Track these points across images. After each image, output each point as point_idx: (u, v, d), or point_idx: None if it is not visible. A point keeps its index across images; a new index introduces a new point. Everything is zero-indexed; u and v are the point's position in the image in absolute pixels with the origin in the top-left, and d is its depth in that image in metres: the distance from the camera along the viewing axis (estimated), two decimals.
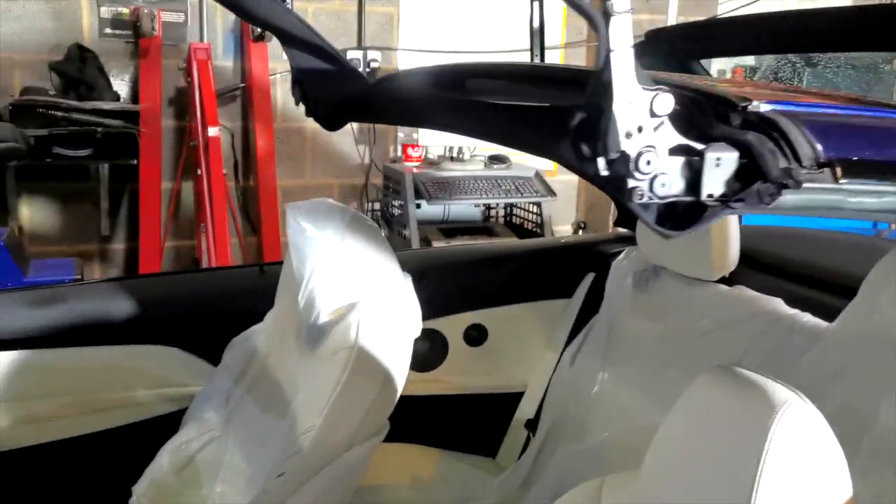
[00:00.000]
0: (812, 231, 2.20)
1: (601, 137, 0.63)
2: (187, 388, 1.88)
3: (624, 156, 0.62)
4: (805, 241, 2.06)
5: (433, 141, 4.32)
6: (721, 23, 2.08)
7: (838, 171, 0.61)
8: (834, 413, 1.36)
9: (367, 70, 4.45)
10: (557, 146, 0.69)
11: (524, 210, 4.44)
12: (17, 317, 1.78)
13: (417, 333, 1.50)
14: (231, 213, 3.96)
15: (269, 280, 1.80)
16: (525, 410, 2.15)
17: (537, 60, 1.82)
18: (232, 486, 1.66)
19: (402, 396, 2.14)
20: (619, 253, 2.05)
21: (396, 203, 4.19)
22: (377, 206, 4.52)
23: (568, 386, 2.00)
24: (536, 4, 1.77)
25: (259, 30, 4.01)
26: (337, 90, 1.59)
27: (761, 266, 1.80)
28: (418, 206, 4.03)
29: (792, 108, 0.67)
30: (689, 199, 0.63)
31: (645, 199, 0.62)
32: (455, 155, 4.37)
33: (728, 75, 5.64)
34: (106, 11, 3.91)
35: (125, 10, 3.90)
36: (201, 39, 4.05)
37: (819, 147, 0.63)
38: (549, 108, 0.77)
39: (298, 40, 1.57)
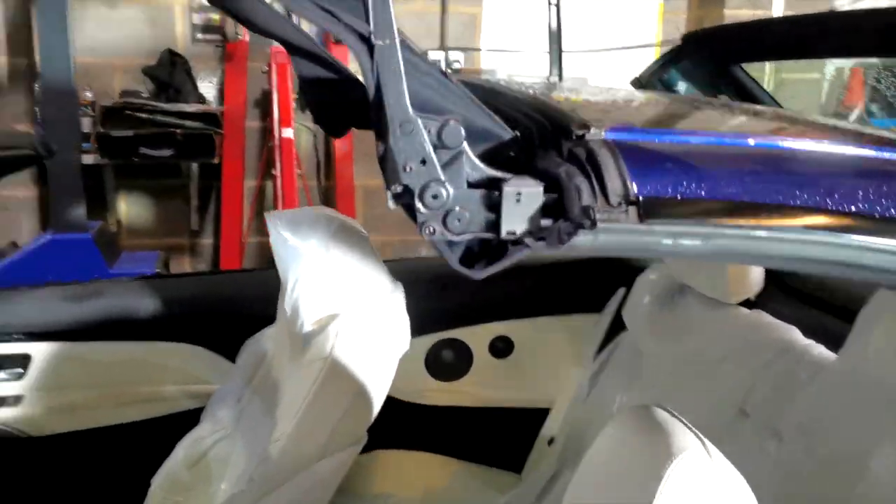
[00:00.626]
0: None
1: (384, 169, 0.61)
2: (210, 386, 1.96)
3: (408, 189, 0.61)
4: None
5: None
6: (766, 24, 1.95)
7: (642, 211, 0.57)
8: (828, 457, 1.27)
9: (449, 70, 4.47)
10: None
11: None
12: (55, 310, 1.91)
13: (404, 347, 1.50)
14: None
15: None
16: (550, 427, 2.11)
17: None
18: (235, 485, 1.72)
19: (423, 406, 2.17)
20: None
21: None
22: None
23: (588, 405, 1.95)
24: (554, 8, 1.73)
25: None
26: (338, 98, 1.62)
27: (791, 290, 1.69)
28: None
29: (637, 137, 0.63)
30: (489, 236, 0.61)
31: (438, 235, 0.60)
32: None
33: (847, 75, 5.28)
34: (198, 18, 4.13)
35: (216, 17, 4.10)
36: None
37: (633, 183, 0.58)
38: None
39: (300, 49, 1.61)
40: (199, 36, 4.15)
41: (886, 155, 0.71)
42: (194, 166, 4.16)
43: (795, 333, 1.48)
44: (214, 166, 4.04)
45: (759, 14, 4.53)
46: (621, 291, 2.05)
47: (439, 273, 1.68)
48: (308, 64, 1.66)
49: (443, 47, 4.46)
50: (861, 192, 0.63)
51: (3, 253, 3.63)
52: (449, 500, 1.98)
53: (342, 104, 1.72)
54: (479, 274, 0.63)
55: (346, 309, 1.44)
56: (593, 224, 0.56)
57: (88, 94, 3.88)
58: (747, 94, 1.93)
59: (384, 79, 0.60)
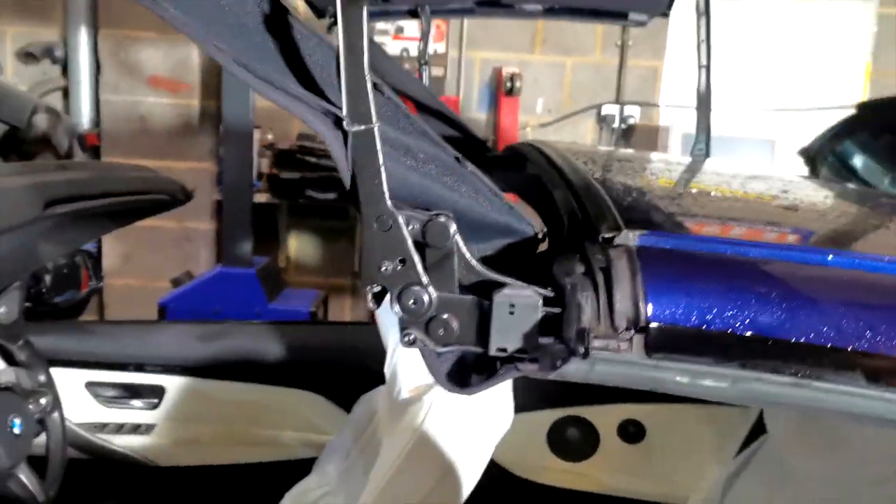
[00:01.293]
0: None
1: (360, 265, 0.57)
2: (325, 436, 1.99)
3: (384, 291, 0.55)
4: None
5: None
6: None
7: (651, 342, 0.48)
8: None
9: (623, 126, 4.37)
10: None
11: None
12: (189, 347, 2.03)
13: (505, 426, 1.44)
14: None
15: None
16: None
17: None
18: None
19: (542, 485, 2.06)
20: None
21: None
22: None
23: None
24: (703, 71, 1.62)
25: (509, 84, 4.15)
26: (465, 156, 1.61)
27: None
28: None
29: (678, 244, 0.54)
30: (477, 350, 0.54)
31: (419, 345, 0.54)
32: None
33: None
34: None
35: None
36: (457, 93, 4.29)
37: (647, 305, 0.49)
38: None
39: (428, 108, 1.62)
40: None
41: None
42: None
43: None
44: None
45: None
46: None
47: None
48: (435, 122, 1.67)
49: (618, 101, 4.37)
50: None
51: (179, 281, 3.95)
52: None
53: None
54: (470, 392, 0.56)
55: None
56: (586, 353, 0.48)
57: (269, 137, 4.16)
58: None
59: (359, 168, 0.56)
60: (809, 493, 1.56)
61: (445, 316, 0.55)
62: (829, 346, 0.48)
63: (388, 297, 1.57)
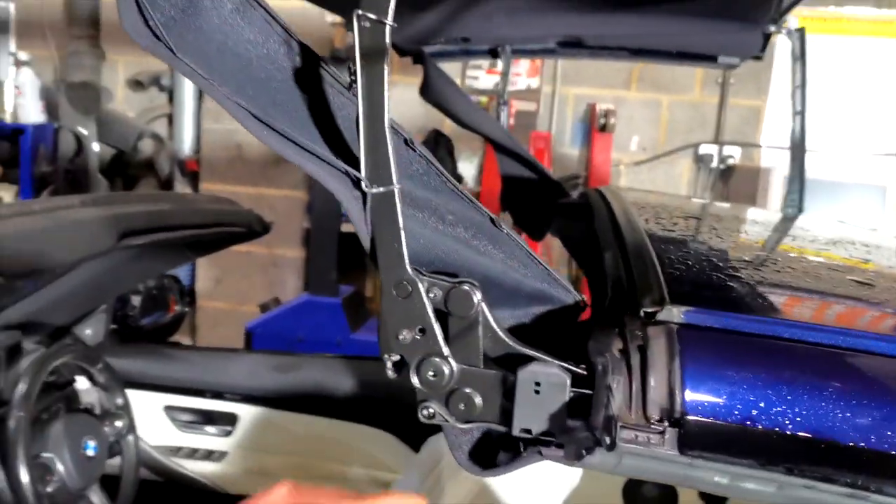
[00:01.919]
0: None
1: (379, 333, 0.55)
2: (393, 474, 1.99)
3: (404, 361, 0.53)
4: None
5: None
6: None
7: (685, 437, 0.44)
8: None
9: (722, 167, 4.24)
10: None
11: None
12: (263, 377, 2.07)
13: (575, 481, 1.40)
14: None
15: None
16: None
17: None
18: None
19: None
20: None
21: None
22: None
23: None
24: (798, 118, 1.55)
25: (603, 120, 4.10)
26: (539, 200, 1.58)
27: None
28: None
29: (732, 324, 0.50)
30: (501, 429, 0.51)
31: (438, 420, 0.52)
32: None
33: None
34: None
35: (483, 99, 4.30)
36: (549, 128, 4.27)
37: (681, 396, 0.45)
38: None
39: (504, 148, 1.61)
40: None
41: None
42: None
43: None
44: None
45: None
46: None
47: None
48: (511, 163, 1.66)
49: (718, 141, 4.24)
50: None
51: (266, 306, 4.05)
52: None
53: (543, 206, 1.69)
54: (493, 475, 0.53)
55: None
56: (612, 444, 0.45)
57: None
58: None
59: (378, 231, 0.55)
60: None
61: (468, 390, 0.53)
62: (893, 453, 0.44)
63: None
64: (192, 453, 2.05)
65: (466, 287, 0.55)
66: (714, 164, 4.24)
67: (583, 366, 0.51)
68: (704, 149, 4.24)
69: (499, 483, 1.30)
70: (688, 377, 0.47)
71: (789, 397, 0.45)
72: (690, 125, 4.28)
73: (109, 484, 1.60)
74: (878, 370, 0.49)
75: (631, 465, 0.46)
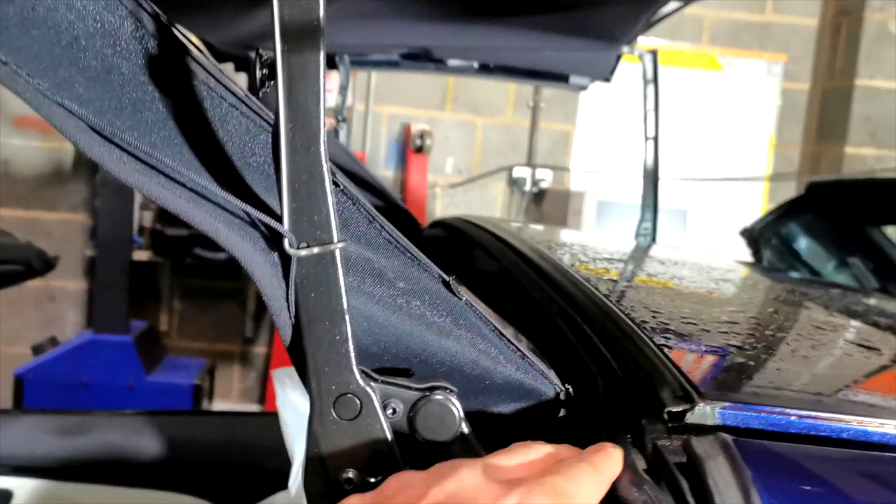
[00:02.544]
0: None
1: (305, 472, 0.37)
2: None
3: None
4: None
5: None
6: (892, 184, 1.67)
7: None
8: None
9: (535, 190, 4.30)
10: None
11: None
12: (41, 443, 1.73)
13: None
14: None
15: None
16: None
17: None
18: None
19: None
20: None
21: None
22: None
23: None
24: (651, 143, 1.50)
25: (419, 141, 4.02)
26: None
27: None
28: None
29: (770, 422, 0.37)
30: None
31: None
32: None
33: None
34: None
35: None
36: (363, 148, 4.13)
37: None
38: None
39: (349, 173, 1.43)
40: None
41: None
42: None
43: None
44: None
45: (884, 153, 4.22)
46: None
47: None
48: (360, 192, 1.48)
49: (530, 164, 4.30)
50: None
51: (41, 348, 3.54)
52: None
53: None
54: None
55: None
56: None
57: None
58: (883, 261, 1.63)
59: (309, 315, 0.37)
60: None
61: None
62: None
63: (288, 389, 1.36)
64: None
65: (440, 396, 0.38)
66: (527, 186, 4.29)
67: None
68: (518, 172, 4.28)
69: None
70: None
71: None
72: (504, 148, 4.30)
73: None
74: None
75: None
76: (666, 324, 0.53)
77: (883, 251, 1.64)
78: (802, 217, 1.71)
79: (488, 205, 4.32)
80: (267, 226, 0.39)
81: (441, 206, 4.31)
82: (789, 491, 0.34)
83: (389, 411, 0.38)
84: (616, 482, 0.35)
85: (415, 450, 0.38)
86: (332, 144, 1.29)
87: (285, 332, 0.39)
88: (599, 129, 4.37)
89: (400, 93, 4.19)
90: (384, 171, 4.26)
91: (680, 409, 0.38)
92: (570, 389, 0.44)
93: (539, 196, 4.35)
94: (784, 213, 1.73)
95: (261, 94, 0.39)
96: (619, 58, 1.50)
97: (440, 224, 1.31)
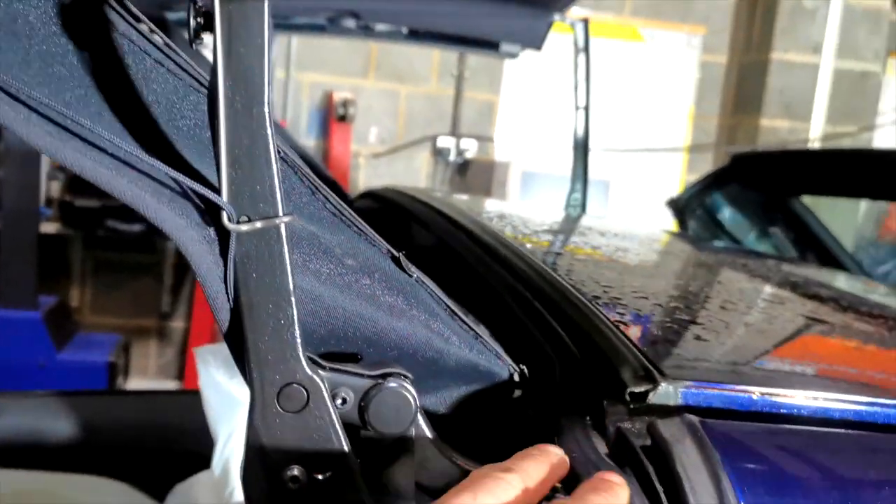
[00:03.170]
0: None
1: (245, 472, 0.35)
2: None
3: None
4: None
5: None
6: (838, 155, 1.71)
7: None
8: None
9: (460, 160, 4.29)
10: None
11: None
12: None
13: None
14: None
15: None
16: None
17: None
18: None
19: None
20: None
21: None
22: None
23: None
24: (582, 113, 1.50)
25: (342, 110, 3.94)
26: None
27: None
28: None
29: (737, 401, 0.36)
30: None
31: None
32: None
33: None
34: None
35: None
36: (283, 117, 4.02)
37: None
38: None
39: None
40: None
41: None
42: (170, 243, 3.93)
43: None
44: None
45: (797, 126, 4.36)
46: None
47: None
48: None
49: (455, 134, 4.28)
50: None
51: None
52: None
53: None
54: None
55: None
56: None
57: None
58: (803, 231, 1.68)
59: (250, 296, 0.34)
60: None
61: None
62: None
63: (211, 368, 1.31)
64: None
65: (394, 384, 0.35)
66: (452, 157, 4.27)
67: (554, 487, 0.33)
68: (442, 141, 4.25)
69: None
70: (747, 501, 0.31)
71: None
72: (428, 117, 4.26)
73: None
74: None
75: None
76: (619, 299, 0.51)
77: (802, 221, 1.69)
78: (726, 188, 1.74)
79: (412, 175, 4.29)
80: (202, 197, 0.35)
81: (365, 176, 4.25)
82: (758, 473, 0.33)
83: (339, 401, 0.35)
84: (577, 467, 0.33)
85: (366, 443, 0.35)
86: None
87: (222, 317, 0.36)
88: (524, 100, 4.37)
89: (322, 60, 4.09)
90: (306, 141, 4.16)
91: (642, 389, 0.37)
92: (525, 370, 0.42)
93: (464, 166, 4.34)
94: (709, 184, 1.75)
95: (194, 47, 0.35)
96: (550, 26, 1.48)
97: (370, 195, 1.28)
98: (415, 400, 0.36)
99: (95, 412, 1.72)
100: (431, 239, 0.72)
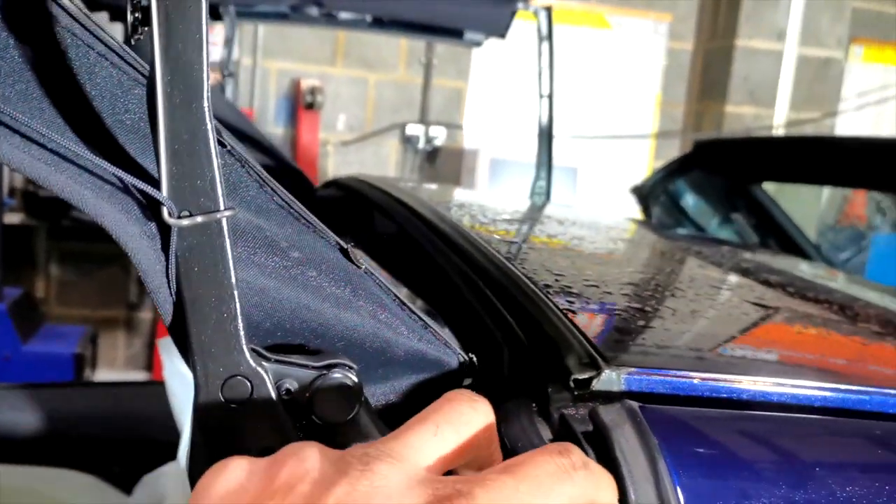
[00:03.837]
0: None
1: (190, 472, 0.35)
2: None
3: None
4: None
5: None
6: (800, 142, 1.74)
7: None
8: None
9: (428, 147, 4.28)
10: None
11: None
12: None
13: None
14: None
15: None
16: None
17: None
18: None
19: None
20: None
21: None
22: None
23: None
24: (546, 101, 1.50)
25: (310, 97, 3.92)
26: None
27: None
28: None
29: (678, 386, 0.37)
30: None
31: None
32: None
33: None
34: None
35: None
36: (250, 105, 3.99)
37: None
38: None
39: (240, 133, 1.37)
40: None
41: None
42: None
43: None
44: None
45: (762, 112, 4.41)
46: None
47: None
48: (250, 151, 1.42)
49: (423, 121, 4.27)
50: None
51: None
52: None
53: None
54: None
55: None
56: None
57: None
58: (765, 217, 1.71)
59: (191, 291, 0.34)
60: None
61: None
62: None
63: (175, 359, 1.30)
64: None
65: (339, 374, 0.35)
66: (421, 144, 4.26)
67: None
68: (411, 129, 4.24)
69: None
70: (683, 485, 0.32)
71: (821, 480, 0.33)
72: (397, 105, 4.25)
73: None
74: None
75: None
76: (569, 287, 0.52)
77: (763, 207, 1.72)
78: (689, 175, 1.76)
79: (381, 163, 4.28)
80: (143, 192, 0.35)
81: (333, 164, 4.23)
82: (695, 456, 0.34)
83: (283, 392, 0.36)
84: (520, 452, 0.34)
85: (313, 432, 0.36)
86: (218, 101, 1.23)
87: (165, 311, 0.36)
88: (492, 87, 4.38)
89: (289, 47, 4.06)
90: (274, 129, 4.13)
91: (586, 376, 0.38)
92: (474, 358, 0.43)
93: (433, 154, 4.34)
94: (672, 171, 1.77)
95: (133, 42, 0.35)
96: (513, 14, 1.49)
97: (334, 184, 1.28)
98: (359, 389, 0.37)
99: (62, 404, 1.71)
100: (392, 227, 0.72)
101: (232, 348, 0.34)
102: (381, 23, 1.47)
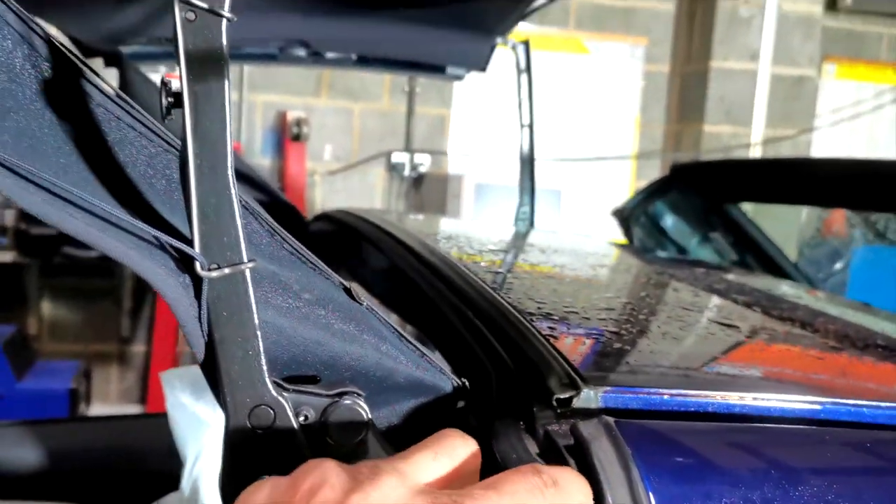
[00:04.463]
0: None
1: (222, 488, 0.39)
2: None
3: None
4: None
5: None
6: (771, 164, 1.80)
7: None
8: None
9: (414, 174, 4.34)
10: None
11: None
12: None
13: None
14: None
15: None
16: None
17: None
18: None
19: None
20: None
21: None
22: None
23: None
24: (526, 130, 1.56)
25: (296, 129, 3.97)
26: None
27: None
28: None
29: (656, 403, 0.41)
30: None
31: None
32: None
33: None
34: None
35: None
36: (238, 138, 4.04)
37: None
38: None
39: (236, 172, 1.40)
40: None
41: None
42: (127, 268, 3.90)
43: None
44: None
45: (739, 130, 4.50)
46: None
47: None
48: (243, 187, 1.46)
49: (408, 149, 4.33)
50: None
51: None
52: None
53: None
54: None
55: None
56: None
57: None
58: (742, 236, 1.76)
59: (222, 332, 0.39)
60: None
61: None
62: None
63: (177, 391, 1.34)
64: None
65: (348, 401, 0.40)
66: (406, 171, 4.32)
67: None
68: (396, 157, 4.30)
69: None
70: (654, 489, 0.36)
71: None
72: (382, 133, 4.31)
73: None
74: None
75: None
76: (551, 314, 0.57)
77: (740, 226, 1.77)
78: (668, 196, 1.82)
79: (368, 191, 4.33)
80: (177, 249, 0.39)
81: (321, 193, 4.28)
82: (665, 464, 0.38)
83: (301, 418, 0.40)
84: (510, 466, 0.39)
85: (328, 452, 0.40)
86: None
87: (198, 350, 0.40)
88: (475, 113, 4.45)
89: (274, 80, 4.12)
90: (261, 160, 4.18)
91: (567, 395, 0.42)
92: (466, 383, 0.47)
93: (418, 181, 4.39)
94: (651, 193, 1.82)
95: (166, 122, 0.40)
96: (493, 48, 1.54)
97: (325, 217, 1.32)
98: (366, 413, 0.41)
99: (59, 439, 1.73)
100: (382, 260, 0.77)
101: (256, 381, 0.39)
102: (366, 61, 1.53)
